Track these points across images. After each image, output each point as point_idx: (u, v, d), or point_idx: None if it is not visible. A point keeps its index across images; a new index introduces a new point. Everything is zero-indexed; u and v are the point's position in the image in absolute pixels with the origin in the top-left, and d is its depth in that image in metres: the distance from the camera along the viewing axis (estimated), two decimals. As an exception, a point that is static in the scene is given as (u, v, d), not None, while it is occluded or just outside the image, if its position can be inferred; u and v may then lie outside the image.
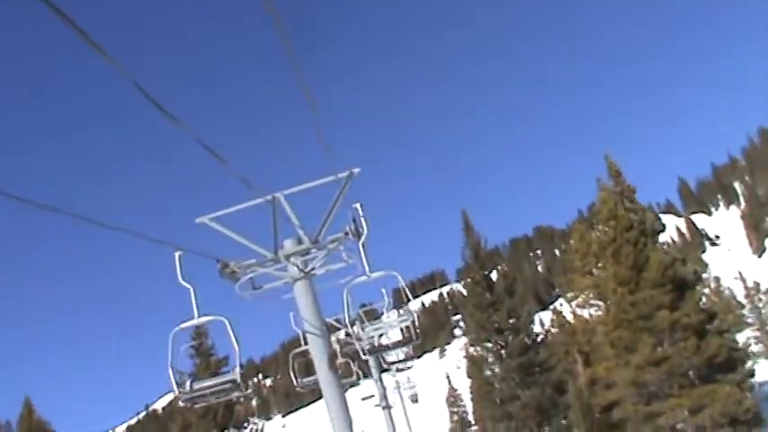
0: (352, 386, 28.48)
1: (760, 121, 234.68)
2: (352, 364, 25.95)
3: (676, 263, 25.60)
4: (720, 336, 24.70)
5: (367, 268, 17.37)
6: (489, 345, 37.23)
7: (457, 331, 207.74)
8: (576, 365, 34.83)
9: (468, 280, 39.31)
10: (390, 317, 39.80)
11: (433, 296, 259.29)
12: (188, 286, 11.87)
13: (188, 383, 11.20)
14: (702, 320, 24.48)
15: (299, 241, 15.27)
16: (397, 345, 30.05)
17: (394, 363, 42.66)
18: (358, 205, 15.51)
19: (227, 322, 11.45)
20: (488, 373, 37.97)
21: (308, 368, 16.70)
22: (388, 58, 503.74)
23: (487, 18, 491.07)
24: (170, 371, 10.84)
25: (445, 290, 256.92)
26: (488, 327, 36.89)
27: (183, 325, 11.47)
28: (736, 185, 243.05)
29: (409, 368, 45.05)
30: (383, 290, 34.69)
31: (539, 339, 37.66)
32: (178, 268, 11.95)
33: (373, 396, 37.46)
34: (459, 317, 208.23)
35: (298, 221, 15.22)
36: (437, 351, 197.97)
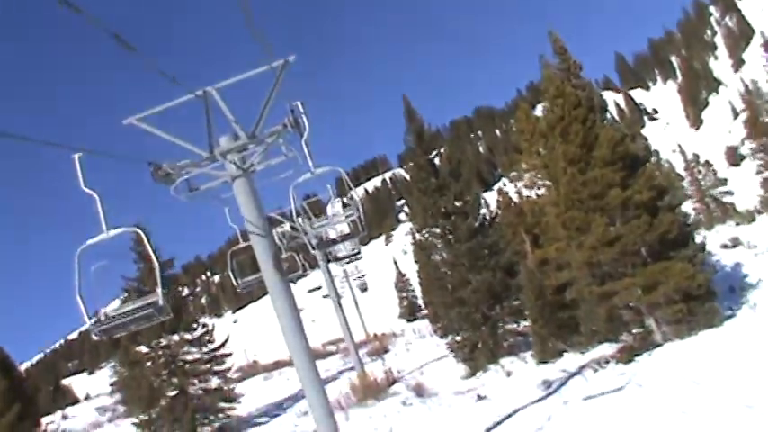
0: (299, 278, 27.93)
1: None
2: (297, 257, 25.32)
3: (626, 140, 24.98)
4: (672, 212, 24.30)
5: (311, 165, 16.64)
6: (437, 230, 36.72)
7: (402, 216, 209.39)
8: (525, 247, 34.57)
9: (412, 165, 38.55)
10: (335, 206, 39.21)
11: (376, 182, 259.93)
12: (92, 194, 10.58)
13: (101, 313, 9.86)
14: (654, 197, 24.00)
15: (236, 137, 14.27)
16: (344, 238, 28.98)
17: (343, 258, 42.33)
18: (299, 103, 14.71)
19: (142, 234, 10.44)
20: (437, 258, 37.59)
21: (252, 264, 16.02)
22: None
23: None
24: (78, 298, 9.50)
25: (388, 175, 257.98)
26: (435, 212, 36.32)
27: (89, 242, 10.12)
28: (673, 59, 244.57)
29: (358, 260, 44.76)
30: (328, 185, 33.93)
31: (487, 222, 37.18)
32: (79, 173, 10.64)
33: (321, 288, 37.28)
34: (403, 202, 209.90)
35: (233, 117, 14.20)
36: (383, 237, 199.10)
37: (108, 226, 10.26)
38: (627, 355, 23.81)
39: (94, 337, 10.84)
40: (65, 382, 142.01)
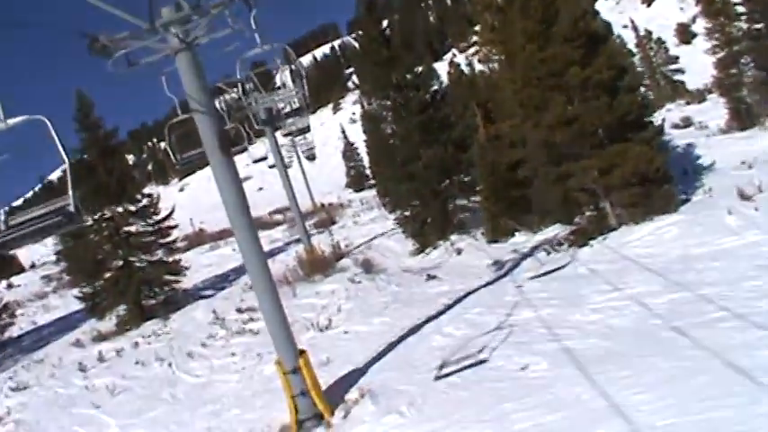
0: (242, 151, 27.14)
1: None
2: (242, 128, 24.36)
3: (587, 16, 24.00)
4: (632, 93, 23.59)
5: (259, 41, 15.72)
6: (388, 103, 35.80)
7: (350, 84, 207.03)
8: (477, 121, 33.96)
9: (363, 34, 37.35)
10: (284, 76, 38.04)
11: (324, 50, 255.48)
12: None
13: (1, 223, 8.98)
14: (614, 77, 23.25)
15: (179, 8, 13.14)
16: (291, 114, 27.79)
17: (292, 132, 41.37)
18: None
19: (48, 123, 9.22)
20: (387, 131, 36.83)
21: (193, 137, 15.20)
22: None
23: None
24: None
25: (337, 43, 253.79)
26: (386, 84, 35.31)
27: None
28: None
29: (306, 133, 43.88)
30: (277, 59, 32.61)
31: (438, 96, 36.30)
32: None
33: (267, 158, 36.35)
34: (352, 70, 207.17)
35: (178, -13, 13.11)
36: (331, 105, 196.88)
37: (6, 114, 8.92)
38: (581, 238, 23.58)
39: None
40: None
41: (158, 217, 35.76)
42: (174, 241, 36.87)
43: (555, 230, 26.73)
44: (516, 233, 28.99)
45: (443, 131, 34.37)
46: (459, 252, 29.57)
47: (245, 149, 27.80)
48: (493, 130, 30.30)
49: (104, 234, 33.96)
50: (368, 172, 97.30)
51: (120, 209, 34.40)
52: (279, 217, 73.54)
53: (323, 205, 73.54)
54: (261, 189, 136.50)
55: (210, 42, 13.72)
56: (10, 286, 63.59)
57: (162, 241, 35.36)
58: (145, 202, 35.63)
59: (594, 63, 22.84)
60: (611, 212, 23.83)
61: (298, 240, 40.38)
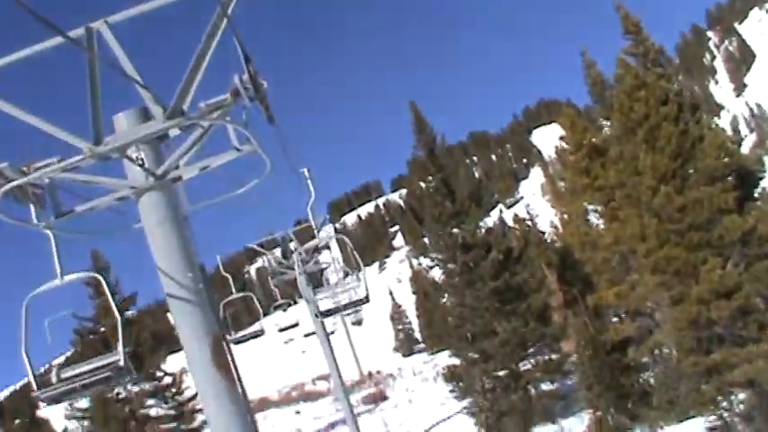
0: (255, 337, 21.97)
1: None
2: (256, 298, 19.27)
3: (731, 145, 18.14)
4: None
5: (317, 233, 12.39)
6: (453, 266, 30.11)
7: (396, 243, 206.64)
8: (556, 289, 28.47)
9: (420, 183, 32.40)
10: (327, 230, 32.97)
11: (368, 208, 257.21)
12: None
13: (53, 375, 7.45)
14: (783, 227, 17.14)
15: (145, 115, 7.41)
16: (349, 306, 23.12)
17: (344, 307, 36.19)
18: (305, 170, 11.39)
19: (102, 280, 8.23)
20: (452, 299, 31.06)
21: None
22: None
23: None
24: (24, 356, 7.35)
25: (381, 201, 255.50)
26: (451, 243, 29.84)
27: (40, 290, 7.12)
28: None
29: (364, 304, 38.73)
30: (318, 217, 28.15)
31: (513, 256, 30.59)
32: None
33: (297, 325, 30.87)
34: (396, 228, 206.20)
35: (141, 79, 7.44)
36: (376, 265, 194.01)
37: (63, 270, 7.06)
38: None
39: (42, 405, 6.93)
40: (42, 413, 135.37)
41: (182, 397, 30.57)
42: (201, 427, 31.21)
43: (688, 429, 20.17)
44: (630, 432, 22.39)
45: (521, 300, 28.46)
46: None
47: (256, 335, 23.17)
48: (595, 300, 23.99)
49: (120, 417, 28.99)
50: (417, 335, 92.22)
51: (135, 388, 29.32)
52: (323, 385, 67.67)
53: (370, 374, 67.70)
54: (304, 352, 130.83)
55: (200, 175, 7.80)
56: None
57: (186, 427, 30.04)
58: (167, 380, 30.50)
59: (753, 208, 16.74)
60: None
61: (344, 421, 34.47)
